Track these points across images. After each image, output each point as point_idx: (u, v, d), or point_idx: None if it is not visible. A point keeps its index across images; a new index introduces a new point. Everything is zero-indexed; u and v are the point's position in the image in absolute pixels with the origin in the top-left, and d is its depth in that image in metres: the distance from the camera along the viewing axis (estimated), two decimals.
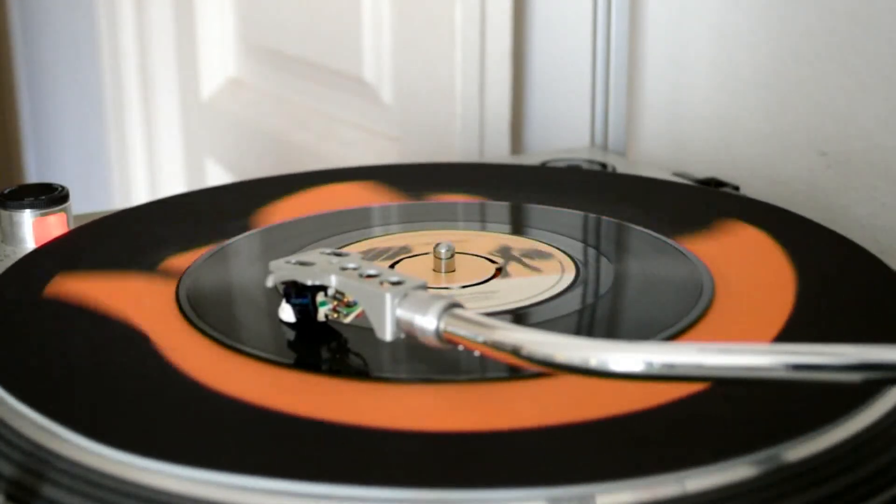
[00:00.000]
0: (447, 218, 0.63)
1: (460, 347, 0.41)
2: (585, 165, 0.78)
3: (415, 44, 0.99)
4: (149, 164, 1.49)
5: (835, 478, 0.39)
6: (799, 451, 0.39)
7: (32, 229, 0.61)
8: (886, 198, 0.72)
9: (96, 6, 1.52)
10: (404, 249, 0.57)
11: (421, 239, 0.59)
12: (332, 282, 0.45)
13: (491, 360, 0.40)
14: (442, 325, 0.41)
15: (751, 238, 0.58)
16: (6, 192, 0.62)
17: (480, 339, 0.40)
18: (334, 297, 0.46)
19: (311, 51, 1.16)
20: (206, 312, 0.50)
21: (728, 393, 0.42)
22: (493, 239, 0.59)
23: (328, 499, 0.36)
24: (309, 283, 0.46)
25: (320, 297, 0.46)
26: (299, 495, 0.37)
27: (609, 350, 0.37)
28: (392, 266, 0.55)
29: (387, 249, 0.57)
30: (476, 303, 0.51)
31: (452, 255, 0.54)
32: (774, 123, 0.79)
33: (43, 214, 0.61)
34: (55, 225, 0.61)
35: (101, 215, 0.63)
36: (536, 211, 0.63)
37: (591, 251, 0.58)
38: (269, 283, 0.47)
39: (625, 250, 0.58)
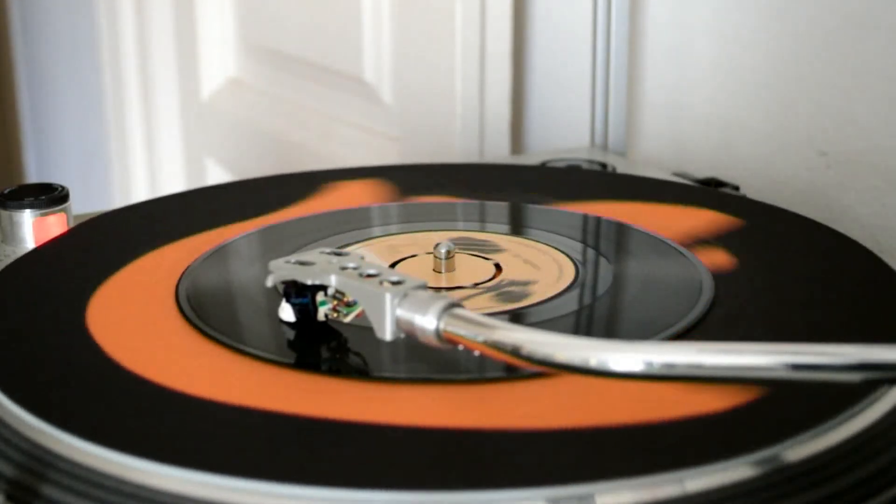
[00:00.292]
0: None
1: (460, 347, 0.41)
2: (585, 165, 0.78)
3: (415, 44, 0.99)
4: (149, 164, 1.49)
5: (835, 478, 0.39)
6: (799, 451, 0.39)
7: (32, 229, 0.61)
8: (886, 198, 0.72)
9: (96, 6, 1.52)
10: (404, 249, 0.57)
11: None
12: (332, 281, 0.45)
13: (491, 359, 0.40)
14: (442, 325, 0.41)
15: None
16: (6, 192, 0.62)
17: (480, 338, 0.40)
18: (334, 297, 0.46)
19: (311, 51, 1.16)
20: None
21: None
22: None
23: (327, 501, 0.36)
24: (309, 282, 0.46)
25: (320, 296, 0.46)
26: (299, 498, 0.37)
27: (609, 350, 0.37)
28: (392, 266, 0.55)
29: (387, 249, 0.57)
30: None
31: (452, 255, 0.54)
32: (774, 123, 0.79)
33: (43, 214, 0.61)
34: (55, 225, 0.61)
35: (101, 215, 0.64)
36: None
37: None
38: (269, 282, 0.47)
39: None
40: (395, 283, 0.43)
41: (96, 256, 0.57)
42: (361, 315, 0.45)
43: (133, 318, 0.50)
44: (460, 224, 0.62)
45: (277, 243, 0.58)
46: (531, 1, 0.96)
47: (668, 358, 0.37)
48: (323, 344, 0.47)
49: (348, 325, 0.47)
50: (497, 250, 0.57)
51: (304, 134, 1.18)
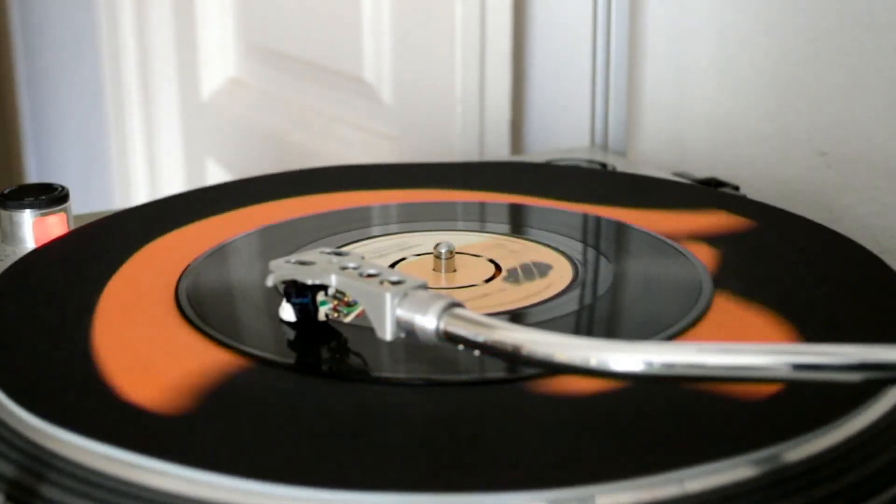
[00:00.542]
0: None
1: (460, 347, 0.41)
2: (585, 165, 0.78)
3: (415, 44, 0.99)
4: (149, 164, 1.49)
5: (835, 478, 0.39)
6: (799, 451, 0.39)
7: (32, 229, 0.61)
8: (886, 198, 0.72)
9: (96, 6, 1.52)
10: (404, 249, 0.57)
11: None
12: (333, 281, 0.45)
13: (491, 359, 0.40)
14: (442, 325, 0.41)
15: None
16: (6, 192, 0.62)
17: (480, 338, 0.40)
18: (334, 297, 0.46)
19: (311, 51, 1.16)
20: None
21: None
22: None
23: (328, 502, 0.36)
24: (309, 282, 0.46)
25: (320, 296, 0.46)
26: (299, 499, 0.37)
27: (609, 350, 0.37)
28: (392, 266, 0.55)
29: (387, 249, 0.57)
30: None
31: (452, 255, 0.54)
32: (774, 123, 0.79)
33: (43, 214, 0.61)
34: (55, 225, 0.61)
35: (102, 215, 0.63)
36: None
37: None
38: (269, 282, 0.47)
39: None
40: (395, 283, 0.43)
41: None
42: (362, 315, 0.45)
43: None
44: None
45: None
46: (531, 1, 0.96)
47: (668, 358, 0.37)
48: (323, 344, 0.47)
49: (349, 325, 0.47)
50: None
51: (304, 134, 1.18)
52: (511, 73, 0.95)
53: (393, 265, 0.55)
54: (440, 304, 0.41)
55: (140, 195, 1.50)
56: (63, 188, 0.62)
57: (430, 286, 0.44)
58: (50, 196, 0.61)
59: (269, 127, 1.24)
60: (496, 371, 0.44)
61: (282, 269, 0.47)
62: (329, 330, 0.47)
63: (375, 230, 0.61)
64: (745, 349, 0.37)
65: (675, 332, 0.48)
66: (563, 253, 0.57)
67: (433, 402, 0.42)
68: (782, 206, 0.64)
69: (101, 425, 0.41)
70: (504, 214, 0.64)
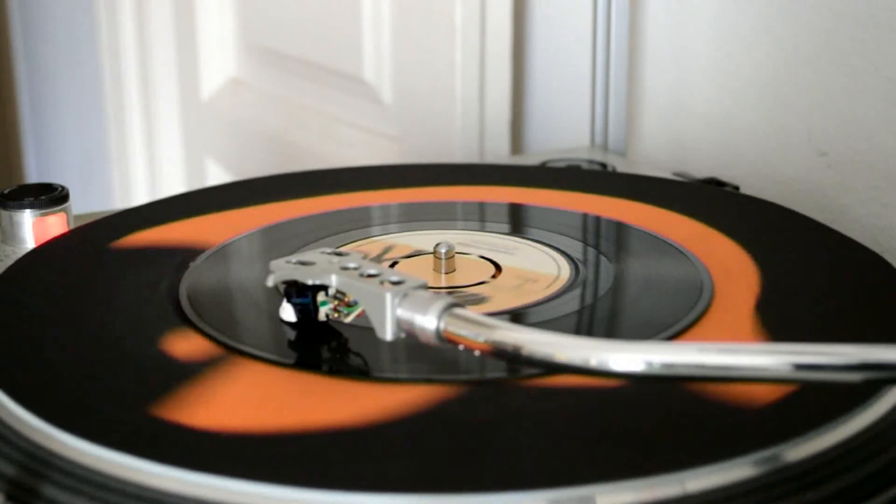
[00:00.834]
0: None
1: (460, 347, 0.41)
2: (585, 165, 0.78)
3: (415, 44, 0.99)
4: (149, 164, 1.49)
5: (835, 478, 0.39)
6: (799, 451, 0.39)
7: (32, 229, 0.61)
8: (886, 198, 0.72)
9: (96, 6, 1.52)
10: (404, 249, 0.57)
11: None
12: (333, 281, 0.45)
13: (491, 359, 0.40)
14: (442, 325, 0.41)
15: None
16: (6, 192, 0.62)
17: (481, 338, 0.40)
18: (335, 297, 0.46)
19: (311, 51, 1.16)
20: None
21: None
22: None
23: (328, 502, 0.36)
24: (309, 282, 0.46)
25: (321, 296, 0.46)
26: (299, 499, 0.37)
27: (609, 350, 0.37)
28: (392, 266, 0.55)
29: (387, 249, 0.57)
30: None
31: (452, 255, 0.54)
32: (774, 123, 0.79)
33: (43, 214, 0.61)
34: (55, 225, 0.61)
35: (101, 215, 0.63)
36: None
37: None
38: (270, 282, 0.47)
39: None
40: (395, 283, 0.43)
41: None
42: (362, 315, 0.45)
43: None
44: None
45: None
46: (531, 1, 0.96)
47: (668, 358, 0.37)
48: (323, 344, 0.47)
49: (349, 325, 0.47)
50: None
51: (304, 134, 1.18)
52: (511, 73, 0.95)
53: (393, 265, 0.55)
54: (440, 304, 0.41)
55: (140, 195, 1.50)
56: (63, 188, 0.62)
57: (430, 286, 0.44)
58: (50, 196, 0.61)
59: (269, 127, 1.24)
60: (496, 371, 0.44)
61: (282, 270, 0.47)
62: (329, 330, 0.47)
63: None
64: (745, 349, 0.37)
65: (675, 332, 0.48)
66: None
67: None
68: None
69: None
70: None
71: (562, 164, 0.78)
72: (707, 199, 0.66)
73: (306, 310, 0.47)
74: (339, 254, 0.47)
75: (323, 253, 0.47)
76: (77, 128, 1.72)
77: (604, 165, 0.78)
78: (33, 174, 1.92)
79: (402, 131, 1.03)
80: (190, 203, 0.66)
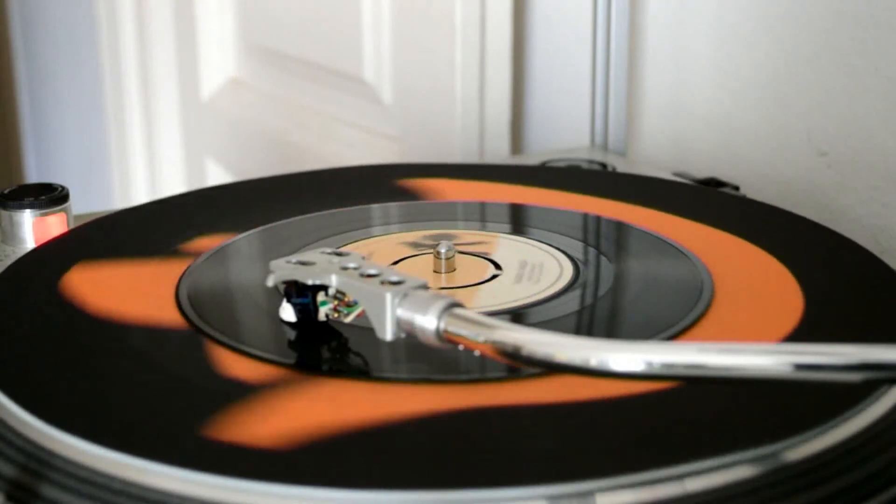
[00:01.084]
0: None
1: (460, 347, 0.41)
2: (585, 165, 0.78)
3: (415, 44, 0.99)
4: (149, 164, 1.49)
5: (835, 478, 0.39)
6: (799, 451, 0.39)
7: (32, 229, 0.61)
8: (886, 198, 0.72)
9: (96, 6, 1.52)
10: (404, 249, 0.57)
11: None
12: (333, 281, 0.45)
13: (491, 359, 0.40)
14: (442, 325, 0.41)
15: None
16: (6, 192, 0.62)
17: (481, 338, 0.40)
18: (335, 297, 0.46)
19: (311, 51, 1.16)
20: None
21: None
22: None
23: (327, 501, 0.36)
24: (309, 282, 0.46)
25: (321, 296, 0.46)
26: (298, 497, 0.37)
27: (609, 350, 0.37)
28: (392, 266, 0.55)
29: (387, 249, 0.57)
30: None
31: (452, 255, 0.54)
32: (774, 123, 0.79)
33: (43, 214, 0.61)
34: (55, 225, 0.61)
35: (101, 215, 0.63)
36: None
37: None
38: (270, 282, 0.47)
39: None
40: (395, 283, 0.43)
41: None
42: (362, 315, 0.45)
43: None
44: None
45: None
46: (531, 1, 0.96)
47: (668, 358, 0.37)
48: (323, 344, 0.47)
49: (349, 325, 0.47)
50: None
51: (304, 134, 1.18)
52: (511, 73, 0.95)
53: (393, 265, 0.55)
54: (440, 304, 0.41)
55: (140, 195, 1.50)
56: (63, 188, 0.62)
57: (430, 286, 0.44)
58: (50, 196, 0.61)
59: (269, 127, 1.24)
60: (497, 370, 0.44)
61: (282, 270, 0.47)
62: (329, 330, 0.47)
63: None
64: (745, 349, 0.37)
65: (675, 332, 0.48)
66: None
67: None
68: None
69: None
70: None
71: (562, 164, 0.78)
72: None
73: (306, 310, 0.47)
74: (339, 254, 0.47)
75: (323, 253, 0.47)
76: (77, 128, 1.72)
77: (604, 165, 0.78)
78: (33, 174, 1.92)
79: (402, 131, 1.03)
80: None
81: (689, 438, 0.40)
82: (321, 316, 0.47)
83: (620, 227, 0.60)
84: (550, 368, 0.38)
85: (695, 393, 0.42)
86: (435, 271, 0.54)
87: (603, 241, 0.60)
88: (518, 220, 0.64)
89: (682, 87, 0.85)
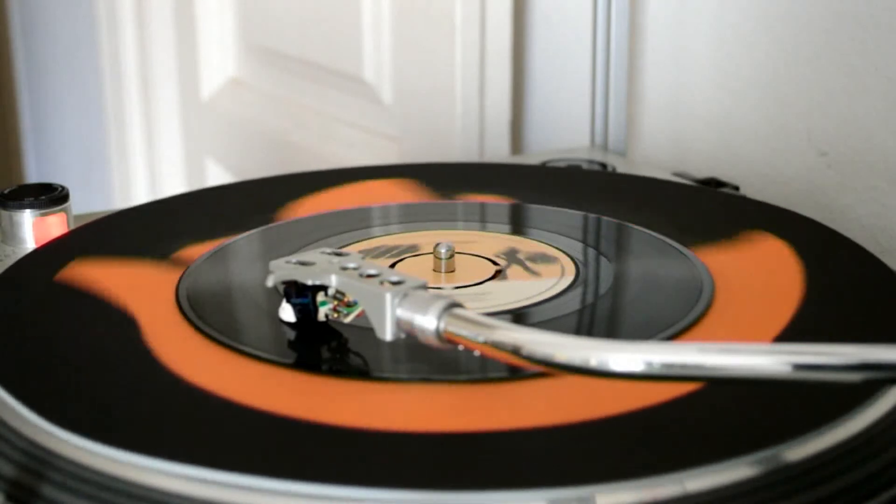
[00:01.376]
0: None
1: (460, 347, 0.41)
2: (585, 165, 0.78)
3: (415, 44, 0.99)
4: (149, 164, 1.49)
5: (835, 478, 0.39)
6: (799, 451, 0.39)
7: (32, 229, 0.61)
8: (887, 198, 0.72)
9: (96, 6, 1.52)
10: (404, 249, 0.57)
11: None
12: (333, 281, 0.45)
13: (491, 360, 0.40)
14: (442, 325, 0.41)
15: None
16: (6, 192, 0.62)
17: (481, 338, 0.40)
18: (335, 297, 0.46)
19: (311, 51, 1.16)
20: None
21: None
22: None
23: (328, 500, 0.36)
24: (309, 282, 0.46)
25: (321, 296, 0.46)
26: (298, 496, 0.37)
27: (609, 350, 0.37)
28: (392, 266, 0.55)
29: (387, 249, 0.57)
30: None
31: (452, 255, 0.54)
32: (774, 123, 0.79)
33: (43, 214, 0.61)
34: (55, 225, 0.61)
35: (102, 215, 0.63)
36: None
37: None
38: (270, 282, 0.47)
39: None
40: (395, 283, 0.43)
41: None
42: (362, 315, 0.45)
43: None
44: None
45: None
46: (531, 1, 0.96)
47: (668, 358, 0.37)
48: (323, 344, 0.47)
49: (349, 325, 0.47)
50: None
51: (304, 134, 1.18)
52: (511, 73, 0.95)
53: (393, 265, 0.55)
54: (440, 305, 0.41)
55: (140, 195, 1.50)
56: (63, 188, 0.62)
57: (430, 286, 0.44)
58: (50, 196, 0.61)
59: (269, 127, 1.24)
60: (497, 370, 0.44)
61: (282, 270, 0.47)
62: (329, 330, 0.47)
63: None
64: (745, 349, 0.37)
65: (675, 332, 0.48)
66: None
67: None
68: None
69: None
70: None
71: (562, 164, 0.78)
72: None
73: (306, 310, 0.47)
74: (339, 254, 0.47)
75: (323, 253, 0.47)
76: (77, 128, 1.72)
77: (604, 165, 0.78)
78: (33, 174, 1.92)
79: (402, 131, 1.03)
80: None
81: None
82: (321, 316, 0.47)
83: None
84: (550, 368, 0.38)
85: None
86: (435, 271, 0.54)
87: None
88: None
89: (682, 87, 0.85)
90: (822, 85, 0.75)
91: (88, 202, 1.51)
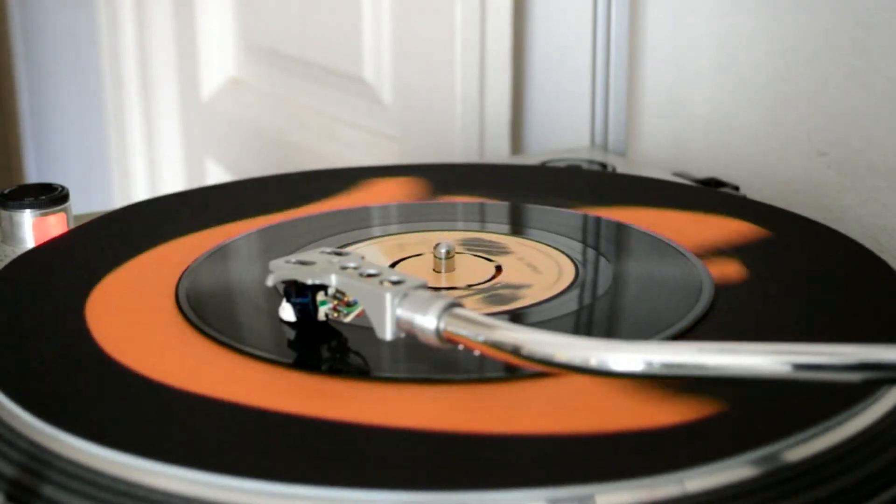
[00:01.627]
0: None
1: (460, 347, 0.41)
2: (585, 165, 0.78)
3: (415, 44, 0.99)
4: (149, 164, 1.49)
5: (835, 478, 0.39)
6: (799, 451, 0.39)
7: (32, 229, 0.61)
8: (887, 198, 0.72)
9: (96, 6, 1.52)
10: (404, 249, 0.57)
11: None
12: (333, 281, 0.45)
13: (491, 359, 0.40)
14: (442, 325, 0.41)
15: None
16: (6, 192, 0.62)
17: (480, 338, 0.40)
18: (334, 297, 0.46)
19: (311, 51, 1.16)
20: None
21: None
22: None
23: (327, 501, 0.36)
24: (309, 282, 0.46)
25: (320, 296, 0.46)
26: (299, 497, 0.37)
27: (609, 350, 0.37)
28: (392, 266, 0.55)
29: (387, 249, 0.57)
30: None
31: (452, 255, 0.54)
32: (774, 123, 0.79)
33: (43, 214, 0.61)
34: (55, 225, 0.61)
35: (101, 215, 0.63)
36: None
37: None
38: (270, 282, 0.47)
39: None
40: (395, 283, 0.43)
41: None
42: (362, 315, 0.45)
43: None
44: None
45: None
46: (531, 1, 0.96)
47: (668, 358, 0.37)
48: (323, 344, 0.47)
49: (348, 324, 0.47)
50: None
51: (305, 134, 1.18)
52: (511, 73, 0.95)
53: (393, 265, 0.55)
54: (440, 304, 0.41)
55: (140, 195, 1.50)
56: (63, 188, 0.62)
57: (430, 286, 0.44)
58: (50, 196, 0.61)
59: (269, 127, 1.24)
60: (497, 370, 0.44)
61: (282, 269, 0.47)
62: (329, 330, 0.47)
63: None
64: (745, 349, 0.37)
65: (675, 332, 0.48)
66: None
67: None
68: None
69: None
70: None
71: (562, 164, 0.78)
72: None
73: (306, 309, 0.47)
74: (339, 254, 0.47)
75: (323, 253, 0.47)
76: (77, 128, 1.73)
77: (604, 165, 0.78)
78: (33, 174, 1.92)
79: (402, 131, 1.03)
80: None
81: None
82: (321, 316, 0.47)
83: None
84: (550, 368, 0.38)
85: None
86: (435, 271, 0.54)
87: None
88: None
89: (682, 87, 0.85)
90: (822, 85, 0.75)
91: (88, 202, 1.51)
